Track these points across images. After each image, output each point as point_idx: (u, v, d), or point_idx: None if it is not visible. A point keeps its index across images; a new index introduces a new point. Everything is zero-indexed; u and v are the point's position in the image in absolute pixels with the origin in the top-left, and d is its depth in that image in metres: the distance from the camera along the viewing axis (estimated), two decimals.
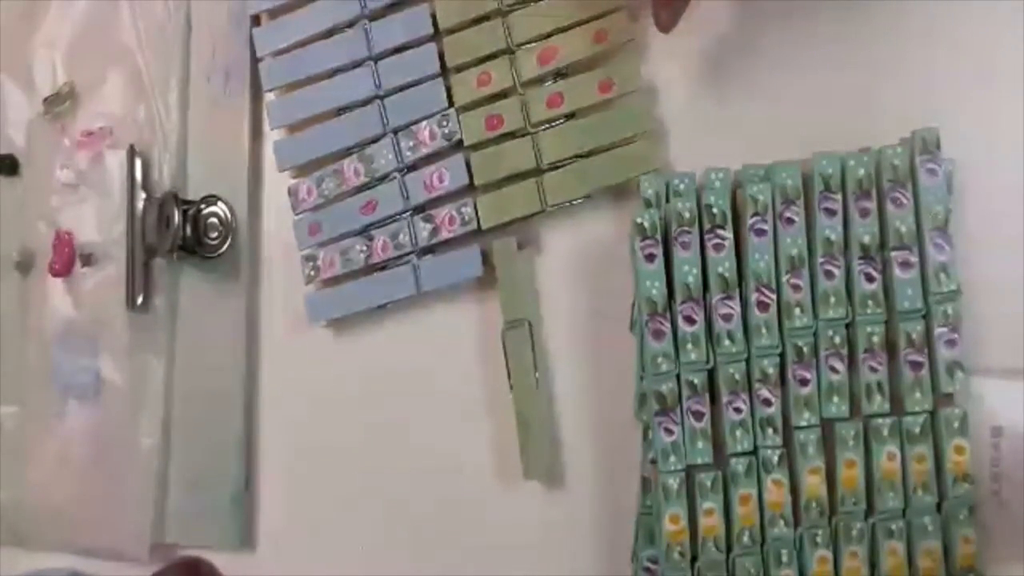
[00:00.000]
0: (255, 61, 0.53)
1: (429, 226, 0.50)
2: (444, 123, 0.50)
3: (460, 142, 0.49)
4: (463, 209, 0.49)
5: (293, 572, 0.53)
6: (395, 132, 0.50)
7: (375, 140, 0.51)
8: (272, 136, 0.54)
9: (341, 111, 0.51)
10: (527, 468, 0.49)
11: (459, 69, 0.50)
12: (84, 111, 0.57)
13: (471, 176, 0.49)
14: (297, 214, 0.52)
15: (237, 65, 0.54)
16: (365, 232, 0.51)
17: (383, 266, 0.51)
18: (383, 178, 0.51)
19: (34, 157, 0.58)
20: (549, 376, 0.50)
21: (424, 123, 0.50)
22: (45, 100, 0.57)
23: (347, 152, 0.51)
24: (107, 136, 0.56)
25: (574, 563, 0.49)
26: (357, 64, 0.51)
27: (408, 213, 0.50)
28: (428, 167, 0.50)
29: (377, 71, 0.50)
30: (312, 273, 0.52)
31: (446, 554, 0.50)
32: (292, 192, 0.52)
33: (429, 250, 0.50)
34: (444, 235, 0.50)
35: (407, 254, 0.50)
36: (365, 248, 0.51)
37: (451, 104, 0.50)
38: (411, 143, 0.50)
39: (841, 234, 0.43)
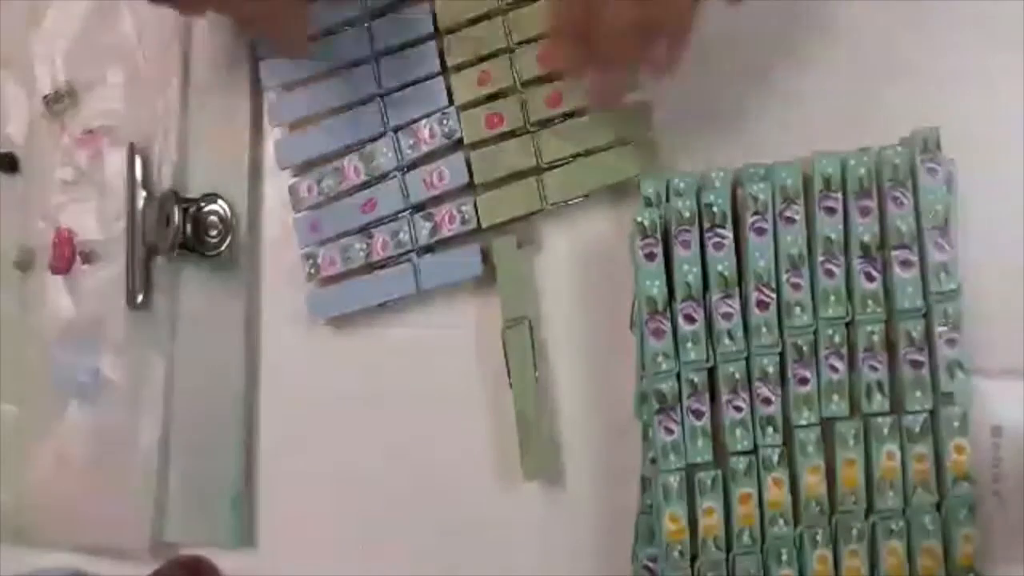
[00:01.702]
0: (255, 59, 0.53)
1: (429, 224, 0.50)
2: (444, 121, 0.50)
3: (460, 140, 0.50)
4: (463, 207, 0.49)
5: (293, 571, 0.53)
6: (395, 130, 0.50)
7: (375, 138, 0.51)
8: (272, 134, 0.54)
9: (341, 109, 0.51)
10: (527, 468, 0.48)
11: (459, 68, 0.50)
12: (84, 109, 0.57)
13: (471, 174, 0.49)
14: (297, 212, 0.52)
15: (237, 63, 0.54)
16: (365, 230, 0.51)
17: (383, 264, 0.51)
18: (383, 176, 0.51)
19: (34, 155, 0.58)
20: (549, 375, 0.50)
21: (424, 121, 0.50)
22: (45, 98, 0.57)
23: (347, 150, 0.51)
24: (107, 134, 0.56)
25: (574, 563, 0.49)
26: (357, 62, 0.51)
27: (408, 211, 0.50)
28: (428, 165, 0.50)
29: (378, 69, 0.50)
30: (312, 271, 0.52)
31: (446, 554, 0.50)
32: (292, 190, 0.52)
33: (429, 248, 0.50)
34: (444, 233, 0.50)
35: (407, 252, 0.50)
36: (365, 246, 0.51)
37: (451, 102, 0.50)
38: (411, 141, 0.50)
39: (841, 233, 0.43)
